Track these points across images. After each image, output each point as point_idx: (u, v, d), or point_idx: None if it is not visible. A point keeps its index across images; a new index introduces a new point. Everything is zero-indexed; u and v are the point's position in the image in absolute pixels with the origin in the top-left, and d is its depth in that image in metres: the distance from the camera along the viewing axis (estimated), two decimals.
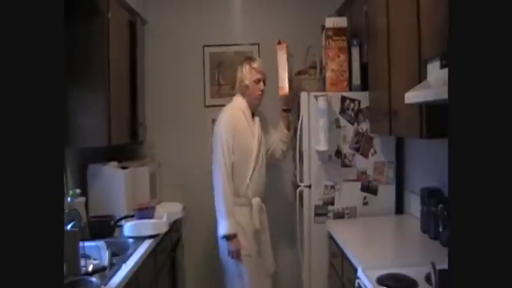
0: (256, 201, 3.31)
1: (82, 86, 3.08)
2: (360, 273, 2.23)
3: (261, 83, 3.37)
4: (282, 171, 4.19)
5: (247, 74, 3.35)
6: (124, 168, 3.49)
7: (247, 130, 3.33)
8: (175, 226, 3.77)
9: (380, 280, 2.06)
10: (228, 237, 3.18)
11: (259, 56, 4.31)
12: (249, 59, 3.43)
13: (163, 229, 3.09)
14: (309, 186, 3.40)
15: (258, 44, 4.35)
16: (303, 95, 3.44)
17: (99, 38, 3.09)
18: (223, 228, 3.17)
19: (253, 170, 3.29)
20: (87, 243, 2.48)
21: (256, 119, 3.42)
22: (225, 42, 4.32)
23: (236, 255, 3.21)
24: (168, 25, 4.31)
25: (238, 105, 3.37)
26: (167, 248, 3.48)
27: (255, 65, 3.36)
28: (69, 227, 2.53)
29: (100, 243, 2.56)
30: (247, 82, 3.35)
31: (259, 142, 3.35)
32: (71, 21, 3.01)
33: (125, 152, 3.97)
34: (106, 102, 3.12)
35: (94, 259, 2.42)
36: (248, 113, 3.36)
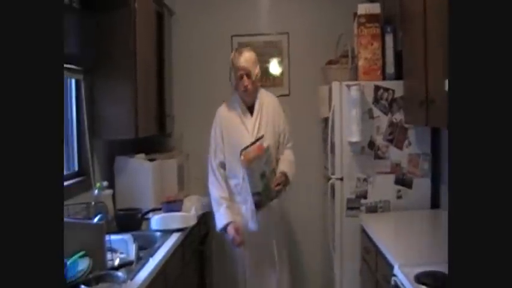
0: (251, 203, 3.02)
1: (109, 77, 3.05)
2: (396, 270, 2.12)
3: (244, 79, 3.04)
4: (312, 163, 4.08)
5: (232, 69, 3.14)
6: (151, 160, 3.44)
7: (240, 126, 3.11)
8: (203, 219, 3.70)
9: (418, 278, 1.95)
10: (224, 230, 3.04)
11: (288, 46, 4.23)
12: (236, 51, 3.15)
13: (191, 222, 3.03)
14: (341, 179, 3.30)
15: (288, 33, 4.25)
16: (335, 85, 3.33)
17: (126, 28, 3.04)
18: (216, 223, 3.08)
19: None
20: (113, 237, 2.43)
21: (256, 113, 3.12)
22: (253, 31, 4.22)
23: (237, 243, 3.01)
24: (196, 15, 4.24)
25: (233, 100, 3.20)
26: (195, 241, 3.42)
27: (236, 60, 3.06)
28: (96, 220, 2.48)
29: (127, 236, 2.51)
30: (233, 78, 3.17)
31: (255, 138, 3.04)
32: (98, 11, 2.98)
33: (153, 144, 3.92)
34: (133, 94, 3.07)
35: (121, 253, 2.37)
36: (242, 107, 3.13)
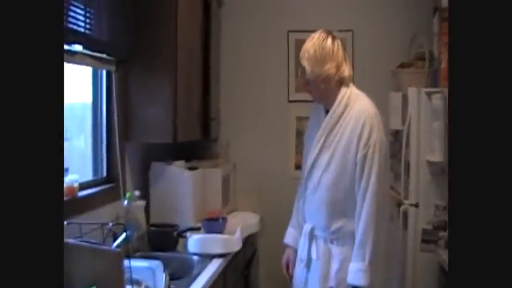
0: (306, 228, 2.40)
1: (145, 70, 2.67)
2: None
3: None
4: None
5: None
6: (192, 169, 3.04)
7: (311, 132, 2.44)
8: (250, 239, 3.24)
9: None
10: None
11: (352, 45, 3.73)
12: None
13: (235, 247, 2.58)
14: (416, 205, 2.81)
15: (352, 30, 3.75)
16: (412, 92, 2.85)
17: (166, 15, 2.64)
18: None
19: (307, 185, 2.40)
20: (138, 264, 1.97)
21: (326, 122, 2.32)
22: (313, 27, 3.67)
23: (285, 271, 2.52)
24: (248, 7, 3.80)
25: None
26: (240, 266, 2.95)
27: (302, 47, 2.34)
28: (119, 240, 2.03)
29: (156, 263, 2.03)
30: None
31: (317, 154, 2.33)
32: None
33: (196, 150, 3.51)
34: (173, 91, 2.66)
35: (146, 287, 1.90)
36: (320, 112, 2.41)
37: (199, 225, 2.71)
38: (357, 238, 2.22)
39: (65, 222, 1.77)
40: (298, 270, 2.45)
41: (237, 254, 2.73)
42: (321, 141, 2.33)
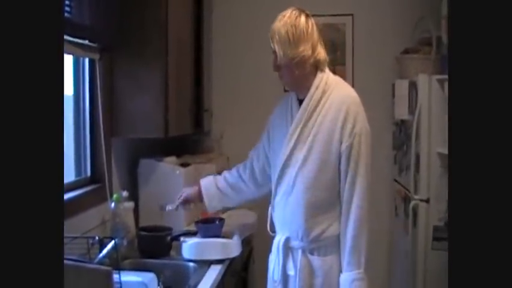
0: (278, 240, 2.16)
1: (133, 59, 2.45)
2: None
3: (273, 58, 2.08)
4: (378, 178, 3.38)
5: None
6: (184, 165, 2.84)
7: (282, 125, 2.14)
8: (246, 239, 3.03)
9: None
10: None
11: (352, 30, 3.55)
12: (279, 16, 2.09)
13: (235, 252, 2.37)
14: (427, 201, 2.67)
15: (352, 14, 3.58)
16: (422, 79, 2.70)
17: None
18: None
19: (276, 189, 2.14)
20: (129, 278, 1.75)
21: (302, 111, 2.04)
22: (310, 11, 3.50)
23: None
24: None
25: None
26: (238, 269, 2.75)
27: (271, 27, 2.07)
28: (105, 251, 1.82)
29: (149, 276, 1.82)
30: None
31: (291, 149, 2.04)
32: None
33: (187, 144, 3.30)
34: (163, 81, 2.45)
35: None
36: (293, 100, 2.13)
37: (194, 228, 2.50)
38: (348, 242, 1.97)
39: None
40: None
41: (234, 257, 2.54)
42: (296, 134, 2.03)
